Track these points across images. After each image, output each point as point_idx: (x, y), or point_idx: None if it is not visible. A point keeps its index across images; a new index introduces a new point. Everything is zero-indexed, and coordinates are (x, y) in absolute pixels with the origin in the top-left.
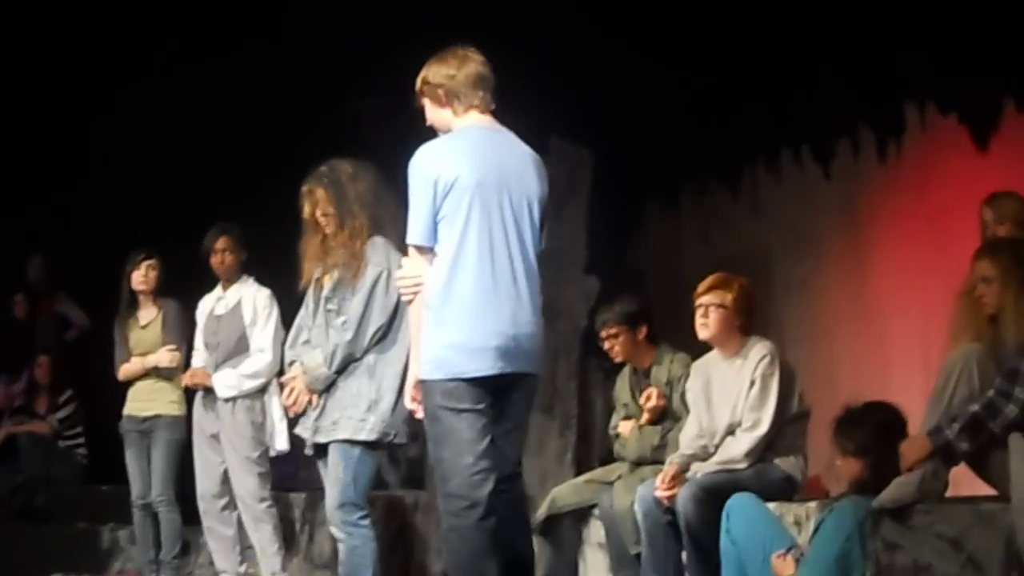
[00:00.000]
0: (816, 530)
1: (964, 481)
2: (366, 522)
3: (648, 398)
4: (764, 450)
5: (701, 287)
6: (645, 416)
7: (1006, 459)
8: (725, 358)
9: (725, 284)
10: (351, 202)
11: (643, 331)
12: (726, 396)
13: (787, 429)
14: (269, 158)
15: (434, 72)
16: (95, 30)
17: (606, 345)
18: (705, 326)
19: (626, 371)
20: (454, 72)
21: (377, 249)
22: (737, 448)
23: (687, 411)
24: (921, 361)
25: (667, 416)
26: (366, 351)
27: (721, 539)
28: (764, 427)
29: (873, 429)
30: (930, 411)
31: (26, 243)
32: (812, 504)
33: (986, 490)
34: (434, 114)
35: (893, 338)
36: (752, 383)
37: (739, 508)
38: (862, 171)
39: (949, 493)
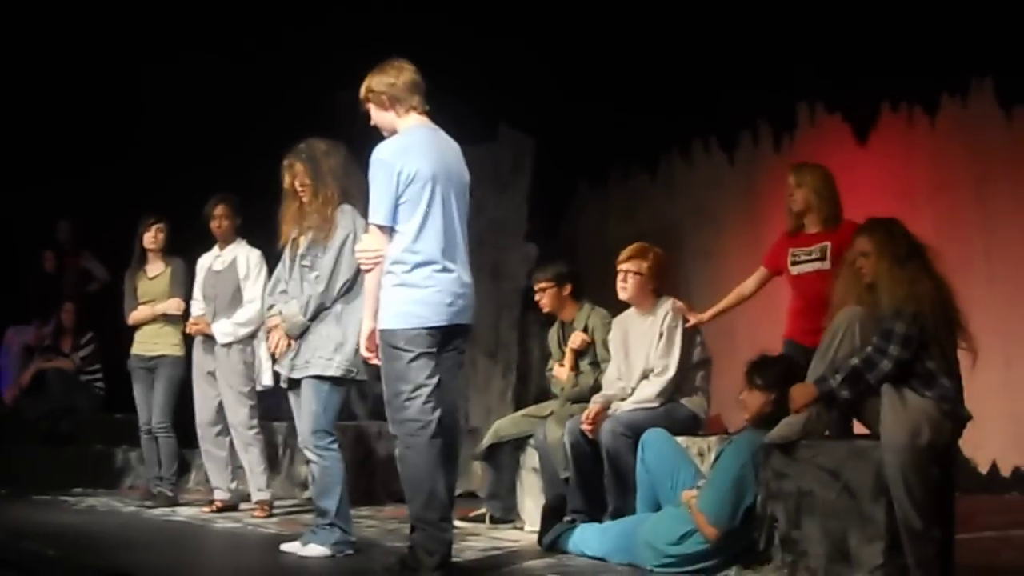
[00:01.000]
0: (717, 458)
1: None
2: (335, 447)
3: (574, 340)
4: (672, 391)
5: (622, 255)
6: (568, 356)
7: (878, 405)
8: (640, 315)
9: (642, 254)
10: (325, 175)
11: (568, 288)
12: (640, 346)
13: (691, 374)
14: (260, 138)
15: (376, 81)
16: (121, 22)
17: (536, 297)
18: (624, 289)
19: (555, 327)
20: (394, 80)
21: (346, 215)
22: (650, 390)
23: (608, 357)
24: None
25: (586, 354)
26: (334, 301)
27: (637, 467)
28: (671, 371)
29: (781, 371)
30: (816, 363)
31: (55, 208)
32: (713, 438)
33: (860, 430)
34: (379, 116)
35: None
36: (660, 335)
37: (652, 441)
38: (760, 160)
39: (829, 432)
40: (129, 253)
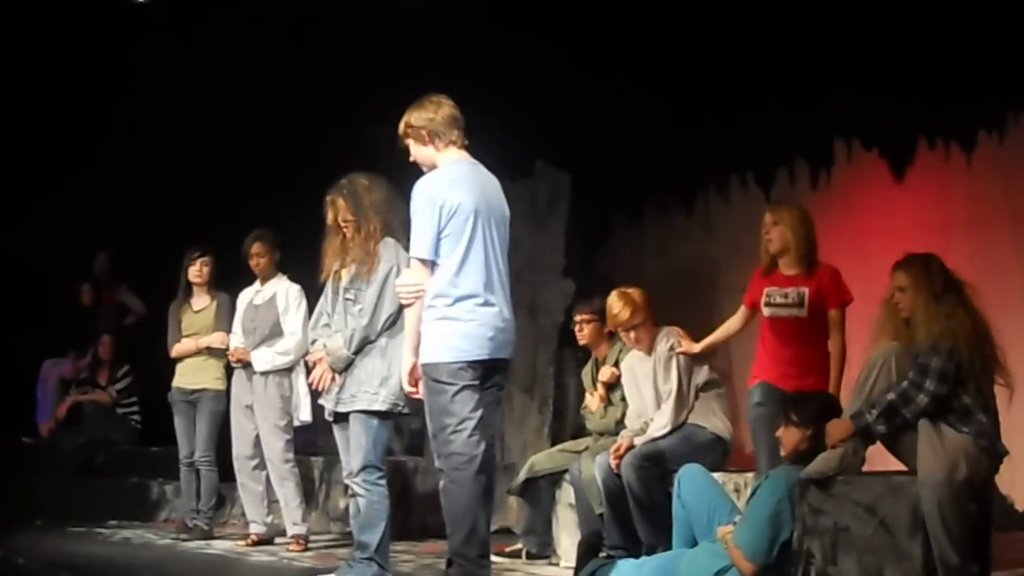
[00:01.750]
0: (753, 493)
1: (878, 458)
2: (383, 482)
3: (604, 373)
4: (682, 413)
5: (618, 318)
6: (600, 389)
7: (915, 440)
8: (645, 352)
9: (631, 303)
10: (367, 209)
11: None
12: (648, 380)
13: (702, 395)
14: (300, 173)
15: (416, 117)
16: (160, 58)
17: (577, 328)
18: (640, 341)
19: (589, 363)
20: (433, 115)
21: (388, 248)
22: (660, 419)
23: None
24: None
25: (617, 388)
26: (379, 334)
27: (673, 503)
28: (674, 394)
29: (818, 407)
30: (853, 399)
31: (92, 242)
32: (749, 474)
33: (897, 465)
34: (418, 152)
35: None
36: (659, 361)
37: (689, 476)
38: (797, 196)
39: (865, 468)
40: (166, 289)
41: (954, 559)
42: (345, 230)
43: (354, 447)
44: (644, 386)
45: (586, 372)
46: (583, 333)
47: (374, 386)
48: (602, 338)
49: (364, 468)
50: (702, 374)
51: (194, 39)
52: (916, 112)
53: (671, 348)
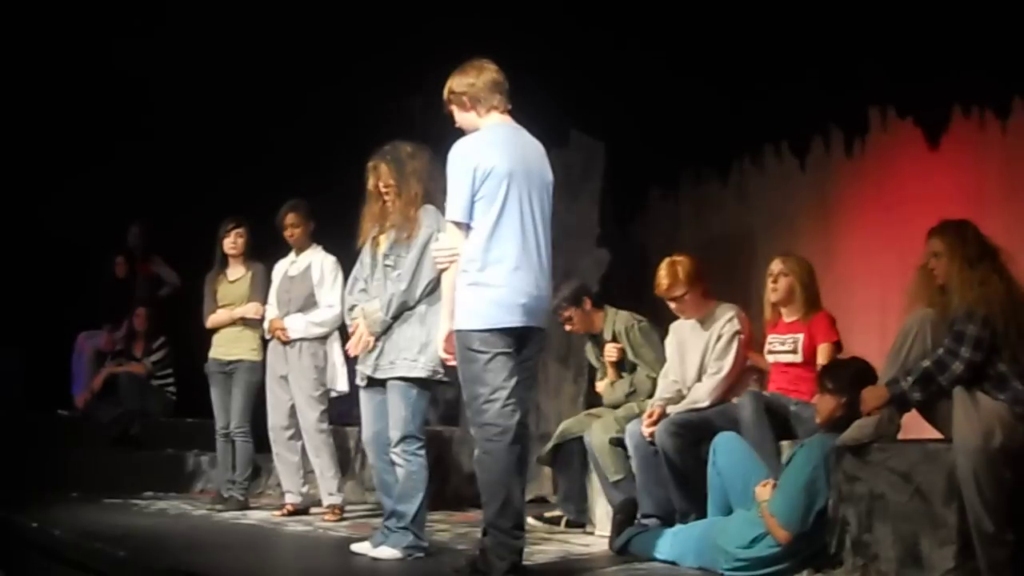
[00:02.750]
0: (789, 461)
1: (913, 425)
2: (422, 452)
3: (609, 353)
4: (725, 391)
5: (663, 287)
6: (609, 370)
7: (950, 407)
8: (697, 321)
9: (673, 278)
10: (408, 176)
11: (587, 303)
12: (696, 350)
13: (744, 377)
14: (332, 142)
15: (457, 82)
16: (198, 33)
17: (566, 327)
18: (684, 311)
19: (589, 342)
20: (474, 80)
21: (428, 215)
22: (702, 390)
23: (637, 357)
24: (879, 325)
25: (624, 364)
26: (418, 301)
27: (708, 471)
28: (724, 372)
29: (852, 375)
30: (888, 366)
31: (126, 214)
32: (785, 442)
33: (932, 433)
34: (461, 117)
35: (855, 306)
36: (719, 338)
37: (724, 444)
38: (832, 165)
39: (900, 435)
40: (201, 260)
41: (989, 526)
42: (386, 196)
43: (393, 418)
44: (690, 354)
45: (588, 350)
46: (574, 326)
47: (413, 353)
48: (589, 317)
49: (404, 439)
50: (750, 360)
51: (226, 8)
52: (950, 80)
53: (737, 332)
